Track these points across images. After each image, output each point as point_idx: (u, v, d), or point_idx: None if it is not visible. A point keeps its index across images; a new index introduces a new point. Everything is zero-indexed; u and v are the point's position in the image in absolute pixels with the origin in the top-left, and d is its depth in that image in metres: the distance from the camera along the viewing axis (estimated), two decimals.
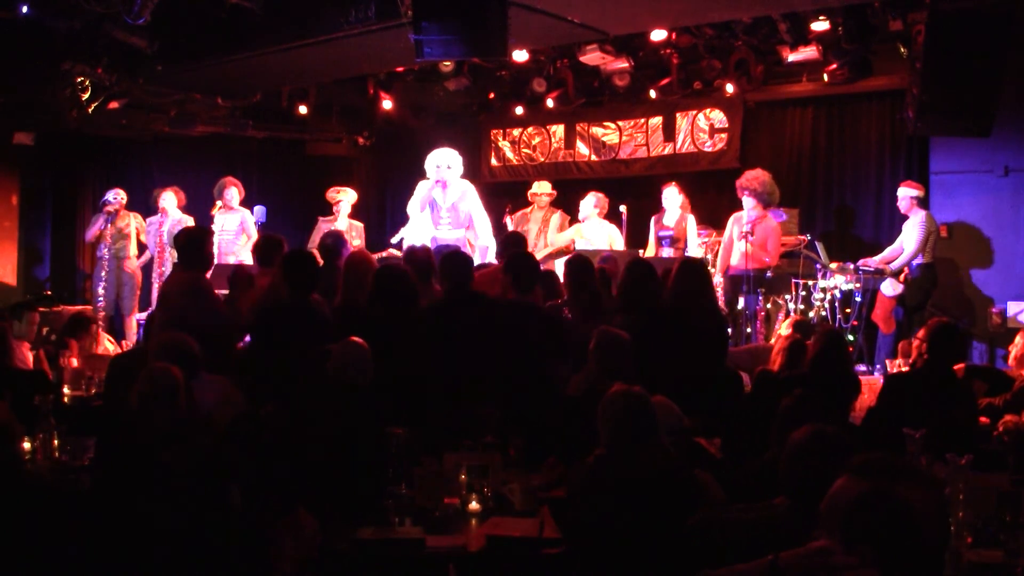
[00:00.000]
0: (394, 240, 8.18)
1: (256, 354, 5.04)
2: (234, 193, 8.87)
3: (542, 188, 9.07)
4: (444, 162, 7.93)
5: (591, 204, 8.37)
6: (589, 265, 5.57)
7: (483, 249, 7.76)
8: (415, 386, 4.39)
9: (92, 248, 9.11)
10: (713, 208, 9.06)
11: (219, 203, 8.88)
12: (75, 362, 5.97)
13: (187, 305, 4.97)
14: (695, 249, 8.15)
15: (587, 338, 4.35)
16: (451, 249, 5.65)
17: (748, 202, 7.68)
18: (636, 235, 8.52)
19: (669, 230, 8.14)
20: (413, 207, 8.03)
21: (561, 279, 5.78)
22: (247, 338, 5.34)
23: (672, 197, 8.21)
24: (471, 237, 7.93)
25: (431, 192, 7.94)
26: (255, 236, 8.58)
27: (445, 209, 7.93)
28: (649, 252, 8.20)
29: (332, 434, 3.69)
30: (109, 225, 8.76)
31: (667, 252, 7.98)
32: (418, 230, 7.92)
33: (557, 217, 8.99)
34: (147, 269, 9.03)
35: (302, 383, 4.29)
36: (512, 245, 6.26)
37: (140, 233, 8.98)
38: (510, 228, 8.60)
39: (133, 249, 8.92)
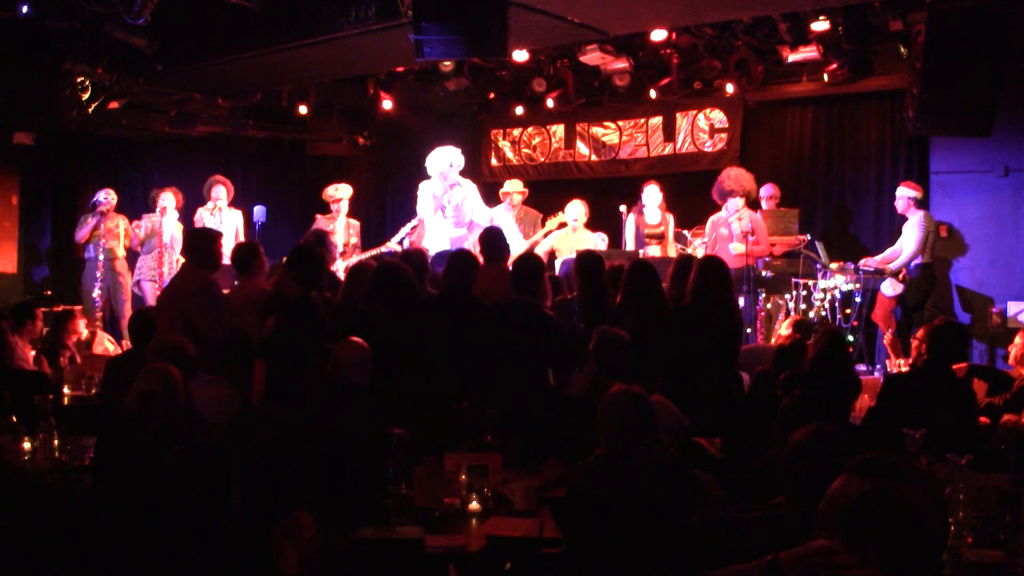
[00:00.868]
0: (395, 240, 8.14)
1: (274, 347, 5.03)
2: (221, 191, 8.83)
3: (514, 187, 9.00)
4: (456, 161, 7.94)
5: (584, 213, 8.34)
6: (600, 261, 5.56)
7: None
8: (415, 386, 4.39)
9: (81, 248, 9.10)
10: (713, 208, 9.05)
11: (209, 203, 8.86)
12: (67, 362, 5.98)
13: (199, 304, 4.99)
14: (673, 247, 8.20)
15: (588, 338, 4.36)
16: (459, 250, 5.65)
17: (736, 203, 7.75)
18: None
19: (654, 228, 8.18)
20: (425, 209, 7.99)
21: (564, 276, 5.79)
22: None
23: (653, 195, 8.25)
24: (473, 235, 7.93)
25: (443, 194, 7.92)
26: (242, 239, 8.57)
27: (452, 209, 7.94)
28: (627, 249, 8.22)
29: (332, 434, 3.69)
30: (102, 226, 8.77)
31: (653, 251, 8.01)
32: (437, 233, 7.89)
33: (539, 219, 8.77)
34: (131, 268, 9.02)
35: (302, 383, 4.29)
36: (495, 242, 6.28)
37: (128, 234, 8.98)
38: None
39: (121, 250, 8.95)
